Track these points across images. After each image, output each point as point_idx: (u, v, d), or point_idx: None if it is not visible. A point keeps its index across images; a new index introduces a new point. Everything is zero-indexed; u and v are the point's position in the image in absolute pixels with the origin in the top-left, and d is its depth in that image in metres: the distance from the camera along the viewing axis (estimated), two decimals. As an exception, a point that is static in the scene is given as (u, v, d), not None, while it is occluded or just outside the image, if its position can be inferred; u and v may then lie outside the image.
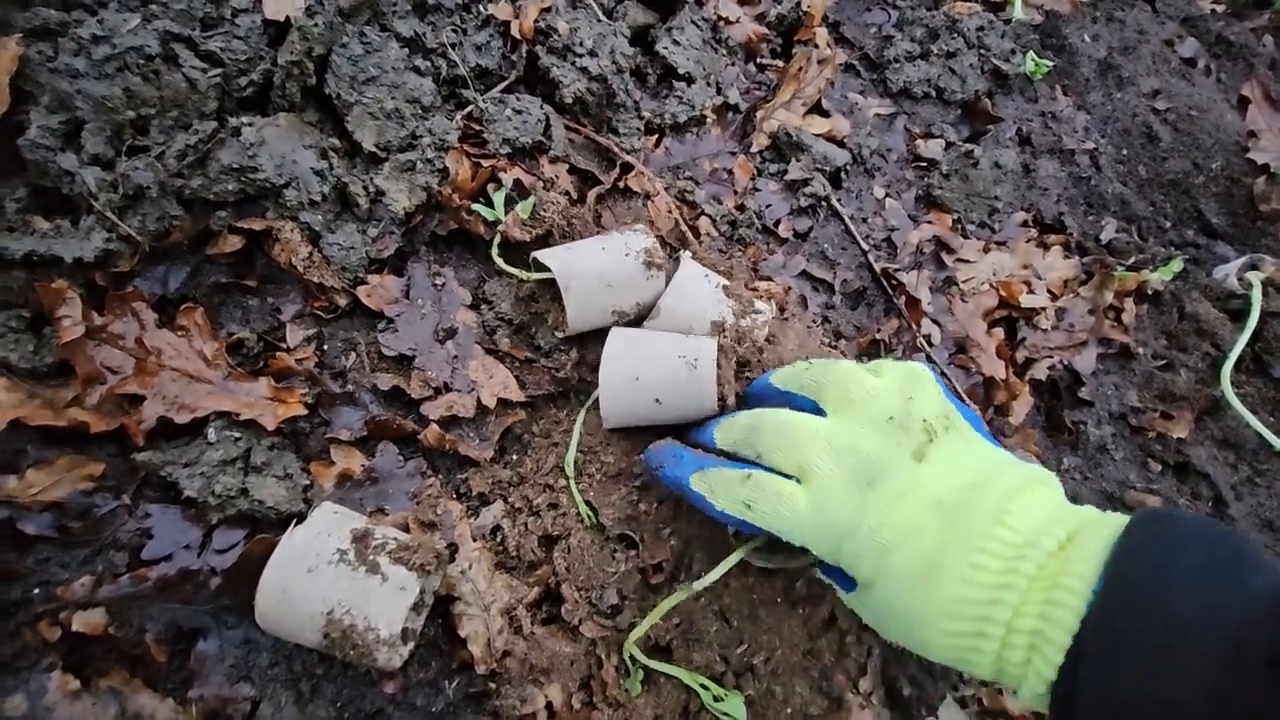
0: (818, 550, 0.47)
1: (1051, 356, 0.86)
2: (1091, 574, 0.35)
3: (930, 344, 0.85)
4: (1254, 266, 0.93)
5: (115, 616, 0.49)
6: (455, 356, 0.64)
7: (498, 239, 0.67)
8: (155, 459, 0.52)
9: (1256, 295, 0.91)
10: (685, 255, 0.67)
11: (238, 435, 0.56)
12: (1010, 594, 0.38)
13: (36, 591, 0.48)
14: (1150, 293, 0.93)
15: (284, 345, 0.60)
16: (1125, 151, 1.10)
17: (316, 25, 0.60)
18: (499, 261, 0.67)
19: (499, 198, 0.67)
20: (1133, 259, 0.96)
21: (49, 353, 0.51)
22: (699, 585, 0.55)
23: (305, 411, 0.58)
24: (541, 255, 0.63)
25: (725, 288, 0.68)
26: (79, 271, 0.53)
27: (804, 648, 0.67)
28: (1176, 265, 0.91)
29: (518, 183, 0.69)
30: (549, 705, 0.59)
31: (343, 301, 0.63)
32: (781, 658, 0.66)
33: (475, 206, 0.67)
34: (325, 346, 0.63)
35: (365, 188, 0.64)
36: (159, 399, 0.53)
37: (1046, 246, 0.93)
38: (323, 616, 0.50)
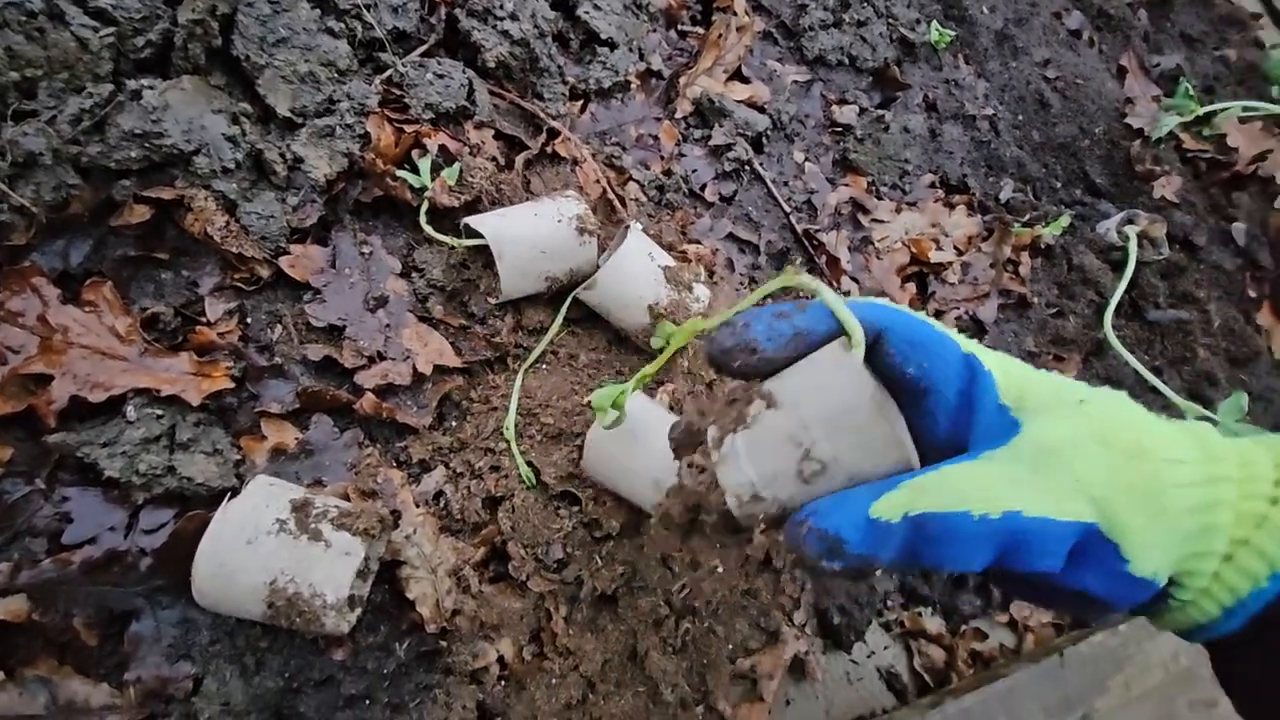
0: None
1: (959, 307, 0.93)
2: None
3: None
4: (1130, 221, 1.03)
5: (39, 603, 0.47)
6: (387, 325, 0.64)
7: (425, 206, 0.67)
8: (70, 440, 0.50)
9: (1132, 247, 1.00)
10: (634, 228, 0.68)
11: (160, 412, 0.54)
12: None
13: (-54, 583, 0.45)
14: (1043, 247, 1.01)
15: (204, 319, 0.58)
16: (1020, 117, 1.19)
17: (218, -18, 0.57)
18: (427, 229, 0.66)
19: (424, 164, 0.67)
20: (1027, 216, 1.04)
21: (-61, 333, 0.48)
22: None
23: (232, 386, 0.56)
24: (473, 221, 0.63)
25: (667, 270, 0.69)
26: (-35, 245, 0.49)
27: (743, 588, 0.71)
28: (1065, 221, 1.00)
29: (443, 149, 0.69)
30: (501, 659, 0.61)
31: (265, 272, 0.61)
32: (722, 599, 0.70)
33: (400, 173, 0.66)
34: (249, 319, 0.61)
35: (282, 155, 0.62)
36: (69, 378, 0.51)
37: (952, 206, 0.99)
38: (265, 587, 0.50)
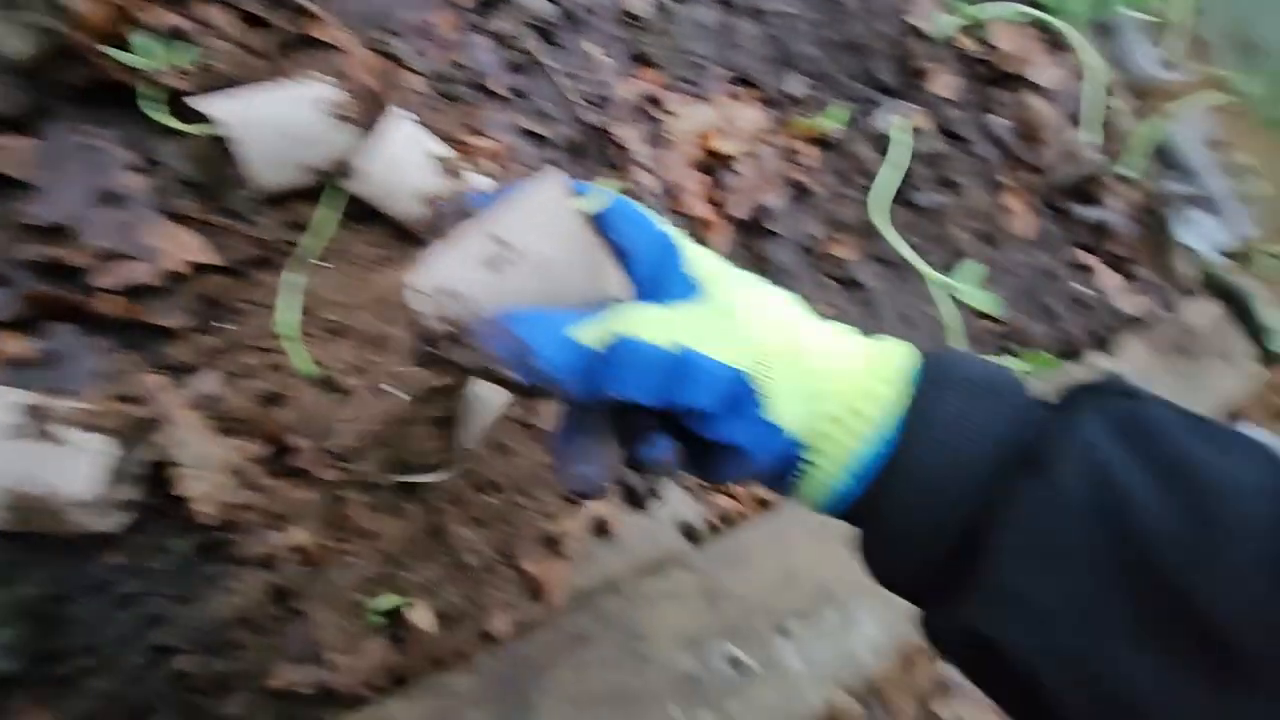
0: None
1: (748, 197, 1.00)
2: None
3: (645, 192, 0.94)
4: (902, 115, 1.14)
5: None
6: (125, 223, 0.60)
7: (149, 90, 0.61)
8: None
9: (897, 137, 1.11)
10: (394, 112, 0.66)
11: None
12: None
13: None
14: (829, 141, 1.10)
15: (-113, 220, 0.52)
16: (815, 15, 1.25)
17: None
18: (156, 115, 0.61)
19: (151, 47, 0.61)
20: (813, 113, 1.11)
21: None
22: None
23: (-71, 290, 0.51)
24: (199, 103, 0.59)
25: (441, 160, 0.69)
26: None
27: (546, 462, 0.77)
28: (844, 114, 1.08)
29: (174, 29, 0.63)
30: (299, 546, 0.63)
31: (-39, 168, 0.55)
32: (524, 474, 0.75)
33: (116, 55, 0.60)
34: (-50, 221, 0.55)
35: (-40, 30, 0.54)
36: None
37: (741, 100, 1.05)
38: (6, 493, 0.48)
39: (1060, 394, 0.36)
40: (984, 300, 1.06)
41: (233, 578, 0.59)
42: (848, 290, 1.07)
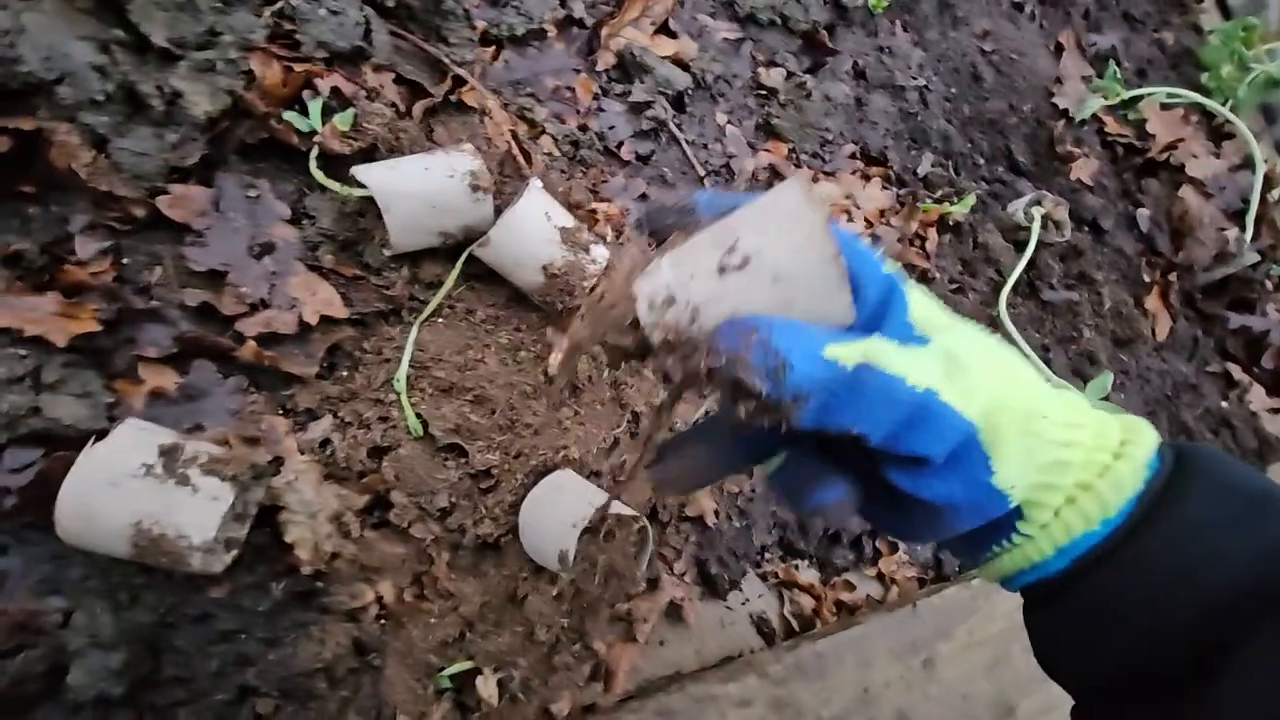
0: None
1: (863, 280, 0.96)
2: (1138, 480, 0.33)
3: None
4: (1038, 203, 1.07)
5: (-109, 537, 0.47)
6: (273, 272, 0.63)
7: (315, 151, 0.65)
8: (-77, 378, 0.50)
9: (1035, 228, 1.04)
10: (533, 186, 0.68)
11: (23, 353, 0.53)
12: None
13: None
14: (952, 223, 1.04)
15: (73, 258, 0.57)
16: (953, 90, 1.20)
17: (77, -105, 0.53)
18: (318, 175, 0.65)
19: (315, 106, 0.65)
20: (941, 192, 1.06)
21: None
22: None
23: (100, 328, 0.56)
24: (359, 172, 0.62)
25: (564, 230, 0.70)
26: None
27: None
28: (971, 199, 1.03)
29: (337, 91, 0.67)
30: (379, 599, 0.64)
31: (141, 213, 0.59)
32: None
33: (289, 116, 0.64)
34: (125, 260, 0.60)
35: (159, 88, 0.59)
36: (-80, 314, 0.50)
37: (869, 178, 1.01)
38: (130, 528, 0.51)
39: None
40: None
41: (319, 627, 0.61)
42: (960, 385, 1.01)
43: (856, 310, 0.32)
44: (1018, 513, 0.33)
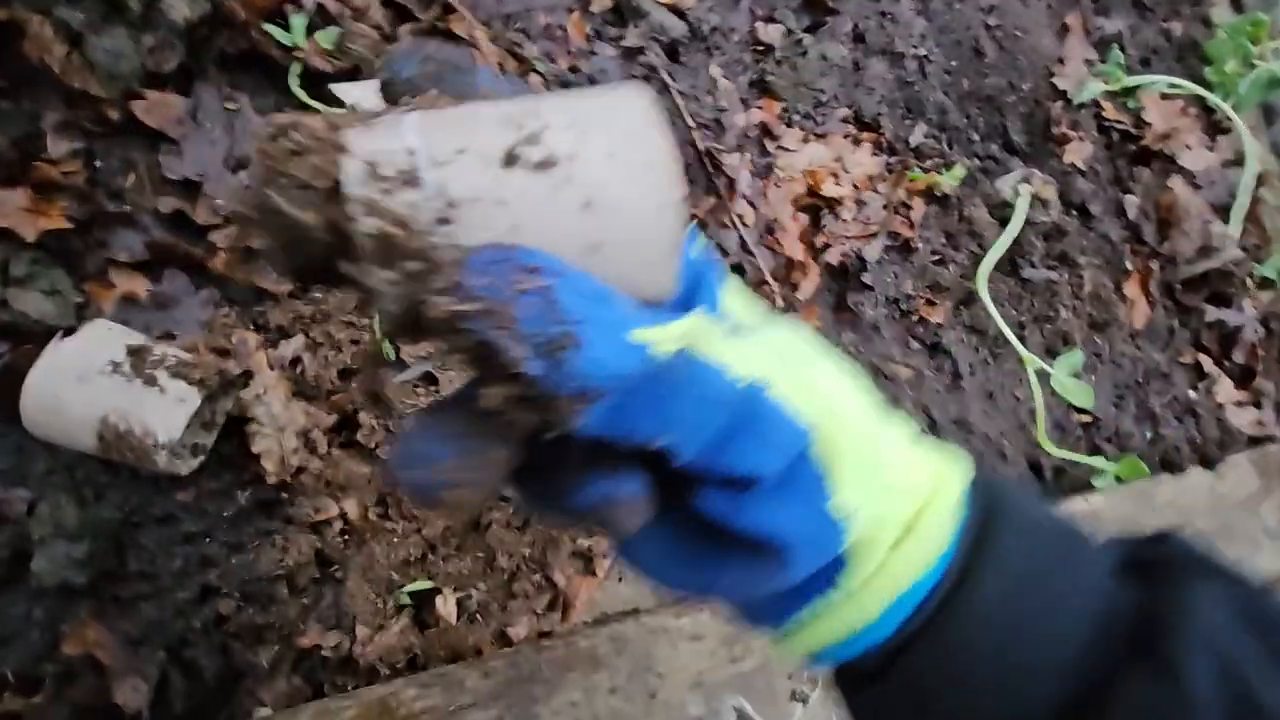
0: None
1: (845, 244, 0.97)
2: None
3: (743, 224, 0.93)
4: (1026, 180, 1.07)
5: None
6: (249, 188, 0.63)
7: (298, 68, 0.65)
8: (-110, 260, 0.50)
9: (1022, 205, 1.05)
10: None
11: (-8, 245, 0.53)
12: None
13: None
14: (940, 195, 1.05)
15: (44, 155, 0.57)
16: (953, 62, 1.19)
17: None
18: (299, 92, 0.65)
19: (299, 22, 0.64)
20: (930, 163, 1.06)
21: None
22: None
23: (70, 226, 0.56)
24: (341, 90, 0.62)
25: None
26: None
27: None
28: (961, 171, 1.03)
29: (321, 8, 0.66)
30: (343, 515, 0.65)
31: (115, 115, 0.59)
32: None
33: (270, 28, 0.63)
34: (99, 163, 0.60)
35: (138, -11, 0.58)
36: (-112, 197, 0.50)
37: (859, 143, 1.01)
38: (96, 421, 0.52)
39: (1134, 555, 0.29)
40: (1078, 392, 0.99)
41: (283, 536, 0.62)
42: (933, 355, 1.02)
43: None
44: (839, 560, 0.25)
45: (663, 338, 0.20)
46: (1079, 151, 1.24)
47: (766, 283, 0.94)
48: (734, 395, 0.22)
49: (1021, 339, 1.06)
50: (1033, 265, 1.09)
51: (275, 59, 0.65)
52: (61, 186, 0.57)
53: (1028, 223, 1.08)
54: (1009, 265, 1.09)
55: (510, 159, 0.19)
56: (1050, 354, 1.10)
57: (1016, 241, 1.07)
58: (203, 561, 0.60)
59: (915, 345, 1.01)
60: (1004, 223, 1.09)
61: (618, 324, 0.19)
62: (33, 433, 0.52)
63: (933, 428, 0.98)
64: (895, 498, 0.25)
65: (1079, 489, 1.07)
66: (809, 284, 0.93)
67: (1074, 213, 1.21)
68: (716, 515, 0.23)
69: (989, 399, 1.03)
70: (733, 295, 0.27)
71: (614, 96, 0.21)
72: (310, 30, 0.65)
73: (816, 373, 0.25)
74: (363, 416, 0.66)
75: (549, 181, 0.19)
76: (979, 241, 1.06)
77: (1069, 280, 1.13)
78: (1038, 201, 1.08)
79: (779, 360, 0.24)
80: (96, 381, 0.52)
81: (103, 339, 0.54)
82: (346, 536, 0.66)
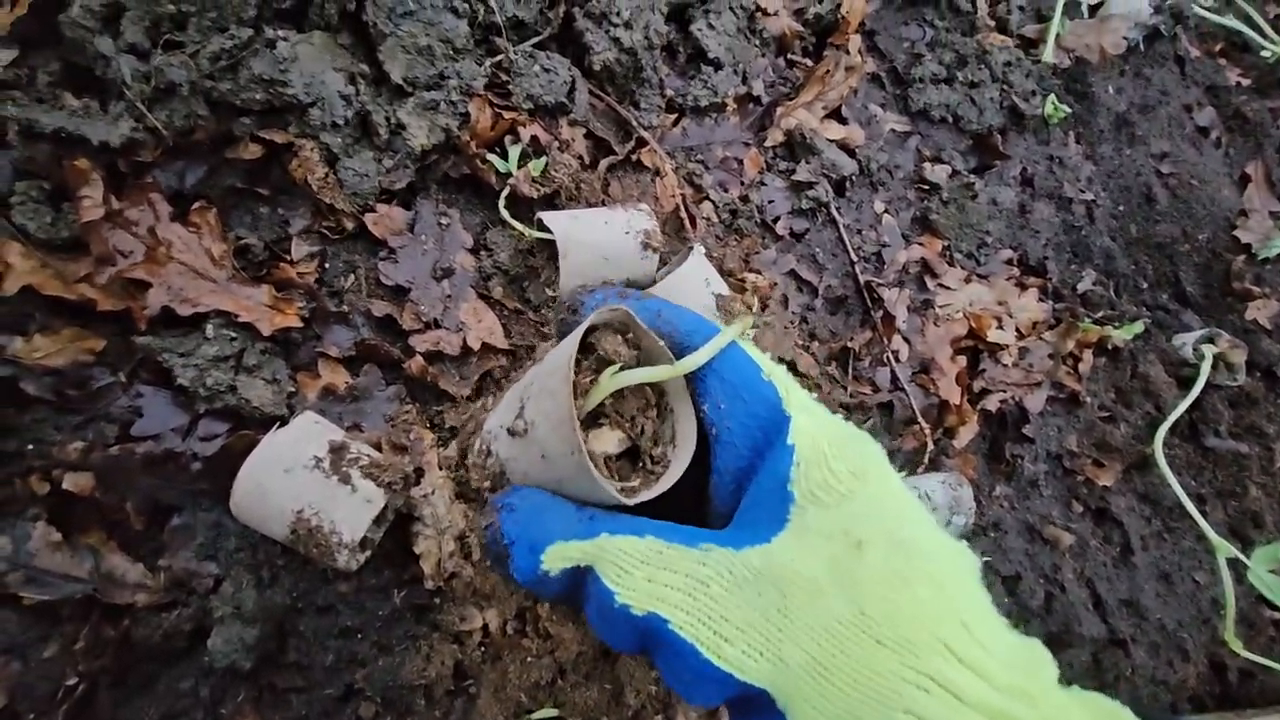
0: None
1: (1005, 391, 0.92)
2: None
3: (897, 360, 0.90)
4: (1210, 340, 0.99)
5: (102, 482, 0.53)
6: (449, 296, 0.68)
7: (506, 191, 0.70)
8: (154, 344, 0.56)
9: (1205, 367, 0.96)
10: (696, 250, 0.70)
11: (234, 335, 0.59)
12: None
13: (30, 448, 0.52)
14: (1110, 348, 0.98)
15: (288, 257, 0.63)
16: (1121, 208, 1.14)
17: (364, -49, 0.61)
18: (505, 214, 0.69)
19: (514, 152, 0.70)
20: (1102, 313, 1.00)
21: (65, 227, 0.54)
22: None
23: (300, 324, 0.61)
24: (546, 217, 0.66)
25: (720, 298, 0.71)
26: (102, 154, 0.55)
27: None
28: (1138, 327, 0.96)
29: (534, 140, 0.72)
30: (485, 627, 0.65)
31: (350, 225, 0.65)
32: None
33: (490, 156, 0.69)
34: (327, 265, 0.66)
35: (387, 119, 0.66)
36: (164, 289, 0.56)
37: (1024, 287, 0.97)
38: (292, 514, 0.55)
39: None
40: (1278, 589, 0.86)
41: (428, 643, 0.62)
42: (1098, 522, 0.93)
43: (724, 468, 0.31)
44: None
45: (568, 554, 0.29)
46: (1264, 309, 1.14)
47: (916, 421, 0.89)
48: (633, 623, 0.28)
49: (1202, 513, 0.95)
50: (1217, 434, 0.99)
51: (488, 182, 0.70)
52: (296, 285, 0.63)
53: (1210, 385, 0.99)
54: (1188, 431, 0.99)
55: (511, 433, 0.33)
56: (1235, 534, 0.98)
57: (1198, 405, 0.98)
58: (352, 658, 0.60)
59: (1078, 508, 0.93)
60: (1183, 383, 1.00)
61: (539, 543, 0.30)
62: (236, 514, 0.56)
63: (1098, 605, 0.88)
64: None
65: (1272, 700, 0.92)
66: (967, 431, 0.88)
67: (1260, 376, 1.10)
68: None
69: (1164, 580, 0.92)
70: (810, 466, 0.28)
71: (553, 355, 0.32)
72: (523, 160, 0.70)
73: (807, 603, 0.25)
74: (516, 527, 0.67)
75: (527, 443, 0.32)
76: (1155, 402, 0.98)
77: (1258, 454, 1.01)
78: (1222, 363, 0.99)
79: (739, 591, 0.26)
80: (299, 475, 0.55)
81: (311, 433, 0.57)
82: (484, 649, 0.64)
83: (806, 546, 0.26)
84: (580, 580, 0.29)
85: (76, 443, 0.52)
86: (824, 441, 0.28)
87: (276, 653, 0.58)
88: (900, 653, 0.24)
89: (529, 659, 0.66)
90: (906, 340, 0.90)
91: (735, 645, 0.25)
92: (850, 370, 0.88)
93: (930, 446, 0.88)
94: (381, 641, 0.61)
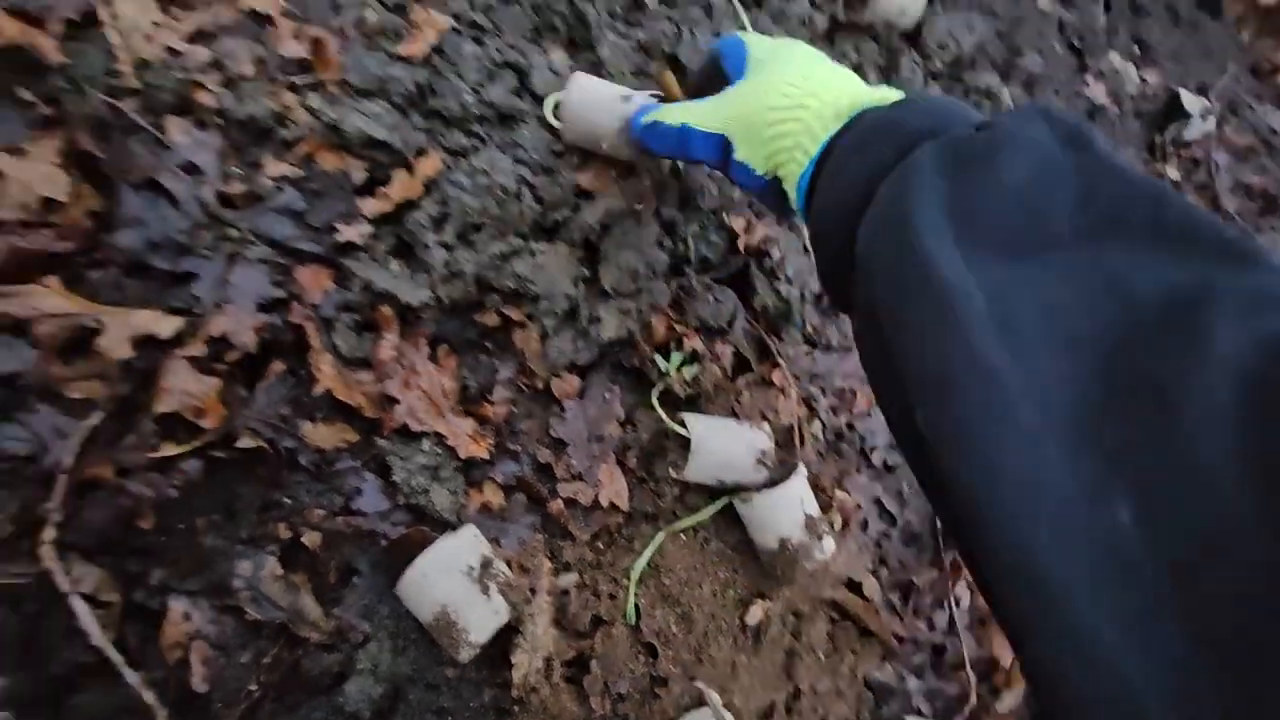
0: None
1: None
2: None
3: (957, 604, 0.97)
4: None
5: (325, 542, 0.71)
6: (595, 456, 0.84)
7: (661, 386, 0.87)
8: (388, 446, 0.75)
9: None
10: (800, 472, 0.84)
11: (439, 452, 0.77)
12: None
13: (289, 502, 0.71)
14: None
15: (490, 399, 0.83)
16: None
17: (613, 202, 0.83)
18: (655, 403, 0.87)
19: (676, 357, 0.88)
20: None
21: (362, 351, 0.75)
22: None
23: (487, 456, 0.79)
24: (688, 418, 0.83)
25: (809, 518, 0.84)
26: (401, 306, 0.77)
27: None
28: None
29: (693, 350, 0.90)
30: (550, 750, 0.76)
31: (540, 385, 0.84)
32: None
33: (656, 356, 0.87)
34: (515, 410, 0.84)
35: (590, 313, 0.86)
36: (406, 408, 0.76)
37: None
38: (439, 606, 0.70)
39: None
40: None
41: (500, 744, 0.74)
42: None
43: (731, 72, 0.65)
44: (776, 180, 0.58)
45: (649, 117, 0.69)
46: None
47: (962, 668, 0.95)
48: (672, 132, 0.65)
49: None
50: None
51: (648, 375, 0.88)
52: (490, 423, 0.81)
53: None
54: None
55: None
56: None
57: None
58: (439, 737, 0.73)
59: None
60: None
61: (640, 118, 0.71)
62: (397, 590, 0.72)
63: None
64: (776, 139, 0.56)
65: None
66: (1011, 696, 0.93)
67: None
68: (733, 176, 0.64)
69: None
70: (755, 47, 0.64)
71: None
72: (681, 364, 0.88)
73: (735, 100, 0.60)
74: (593, 664, 0.79)
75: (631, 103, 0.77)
76: None
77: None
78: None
79: (712, 105, 0.62)
80: (454, 577, 0.71)
81: (470, 545, 0.73)
82: (541, 766, 0.75)
83: (742, 82, 0.62)
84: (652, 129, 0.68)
85: (319, 509, 0.71)
86: (762, 39, 0.66)
87: (387, 712, 0.72)
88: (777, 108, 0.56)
89: (573, 784, 0.76)
90: (971, 590, 0.98)
91: (712, 122, 0.61)
92: (910, 602, 0.96)
93: (973, 700, 0.93)
94: (466, 729, 0.73)
